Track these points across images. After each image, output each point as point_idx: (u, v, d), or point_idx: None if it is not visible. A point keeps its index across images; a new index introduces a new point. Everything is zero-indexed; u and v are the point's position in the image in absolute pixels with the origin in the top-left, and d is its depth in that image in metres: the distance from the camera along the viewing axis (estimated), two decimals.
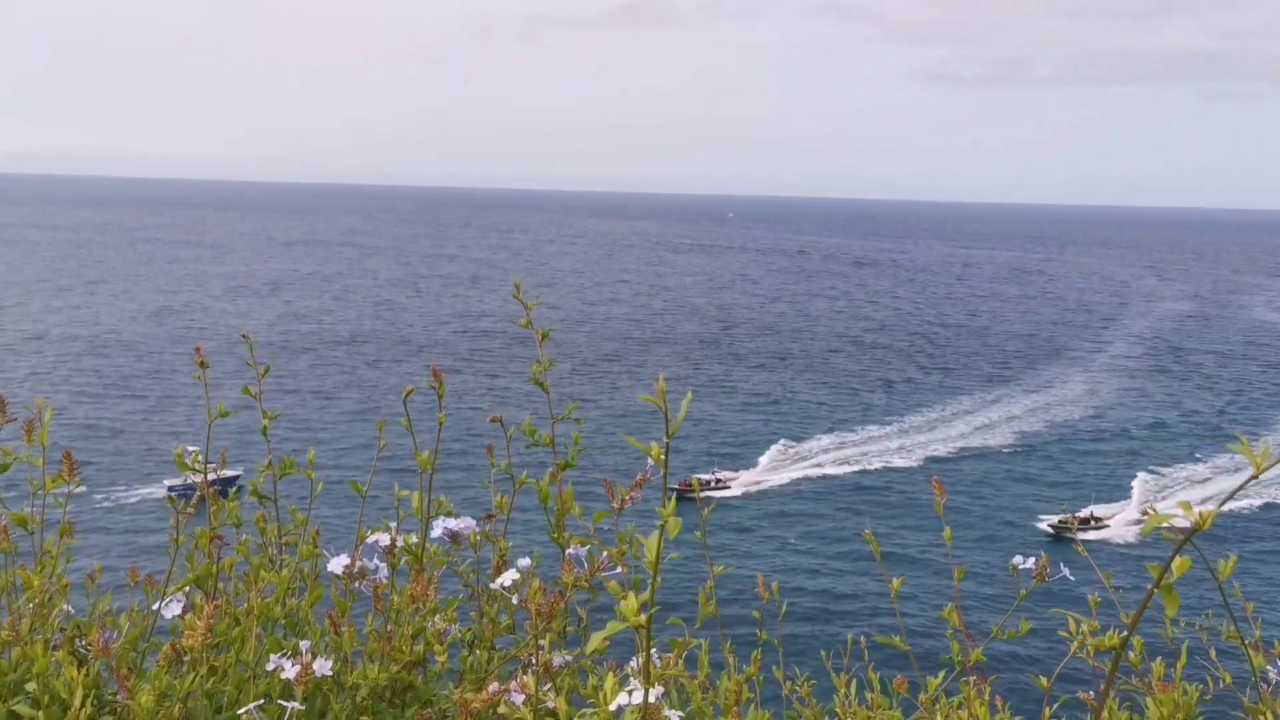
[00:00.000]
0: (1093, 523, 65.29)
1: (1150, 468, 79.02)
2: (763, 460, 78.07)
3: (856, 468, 77.54)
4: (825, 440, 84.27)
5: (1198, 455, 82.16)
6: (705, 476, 68.03)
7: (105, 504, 62.70)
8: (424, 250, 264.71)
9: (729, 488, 69.42)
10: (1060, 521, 64.95)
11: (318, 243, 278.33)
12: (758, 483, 72.61)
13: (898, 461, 79.35)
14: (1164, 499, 70.68)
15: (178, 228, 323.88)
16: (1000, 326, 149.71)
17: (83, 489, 3.20)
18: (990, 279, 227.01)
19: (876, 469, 77.60)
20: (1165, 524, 2.17)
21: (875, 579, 57.15)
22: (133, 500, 63.01)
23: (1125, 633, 2.36)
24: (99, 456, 71.97)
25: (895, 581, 3.30)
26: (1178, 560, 2.24)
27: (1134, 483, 75.12)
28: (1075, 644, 2.82)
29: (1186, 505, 2.15)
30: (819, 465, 77.69)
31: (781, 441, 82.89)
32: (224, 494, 3.59)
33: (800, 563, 59.27)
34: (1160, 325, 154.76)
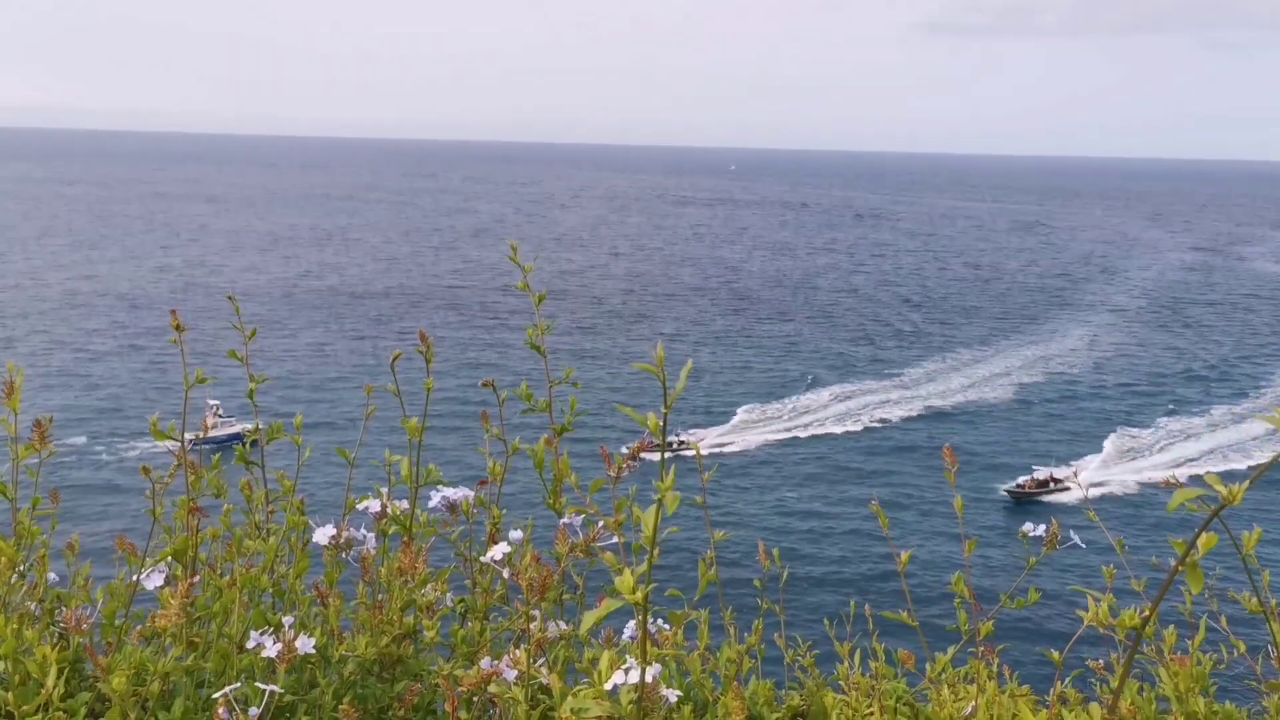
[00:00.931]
0: (1052, 485, 63.34)
1: (1124, 426, 77.83)
2: (744, 417, 77.84)
3: (855, 423, 77.36)
4: (824, 395, 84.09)
5: (1176, 412, 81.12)
6: (673, 439, 65.18)
7: (106, 457, 62.97)
8: (426, 205, 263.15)
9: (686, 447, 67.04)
10: (1018, 486, 63.36)
11: (323, 197, 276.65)
12: (727, 444, 72.16)
13: (896, 414, 79.35)
14: (1132, 460, 69.76)
15: (181, 182, 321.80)
16: (1000, 280, 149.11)
17: (54, 456, 3.08)
18: (992, 231, 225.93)
19: (874, 424, 77.41)
20: (1194, 498, 2.05)
21: (870, 537, 57.24)
22: (133, 455, 63.11)
23: (1146, 613, 2.25)
24: (103, 412, 72.09)
25: (904, 555, 3.19)
26: (1204, 536, 2.12)
27: (1105, 442, 73.86)
28: (1088, 618, 2.71)
29: (1215, 479, 2.03)
30: (820, 422, 77.47)
31: (776, 399, 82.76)
32: (230, 449, 3.49)
33: (796, 525, 59.32)
34: (1160, 278, 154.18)
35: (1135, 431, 76.76)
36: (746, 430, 75.25)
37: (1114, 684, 3.38)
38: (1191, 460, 69.61)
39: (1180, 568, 2.13)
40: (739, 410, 79.25)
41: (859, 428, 76.71)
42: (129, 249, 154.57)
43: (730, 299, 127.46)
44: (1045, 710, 2.68)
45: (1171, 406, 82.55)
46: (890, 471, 68.09)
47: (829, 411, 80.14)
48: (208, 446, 3.62)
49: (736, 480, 64.94)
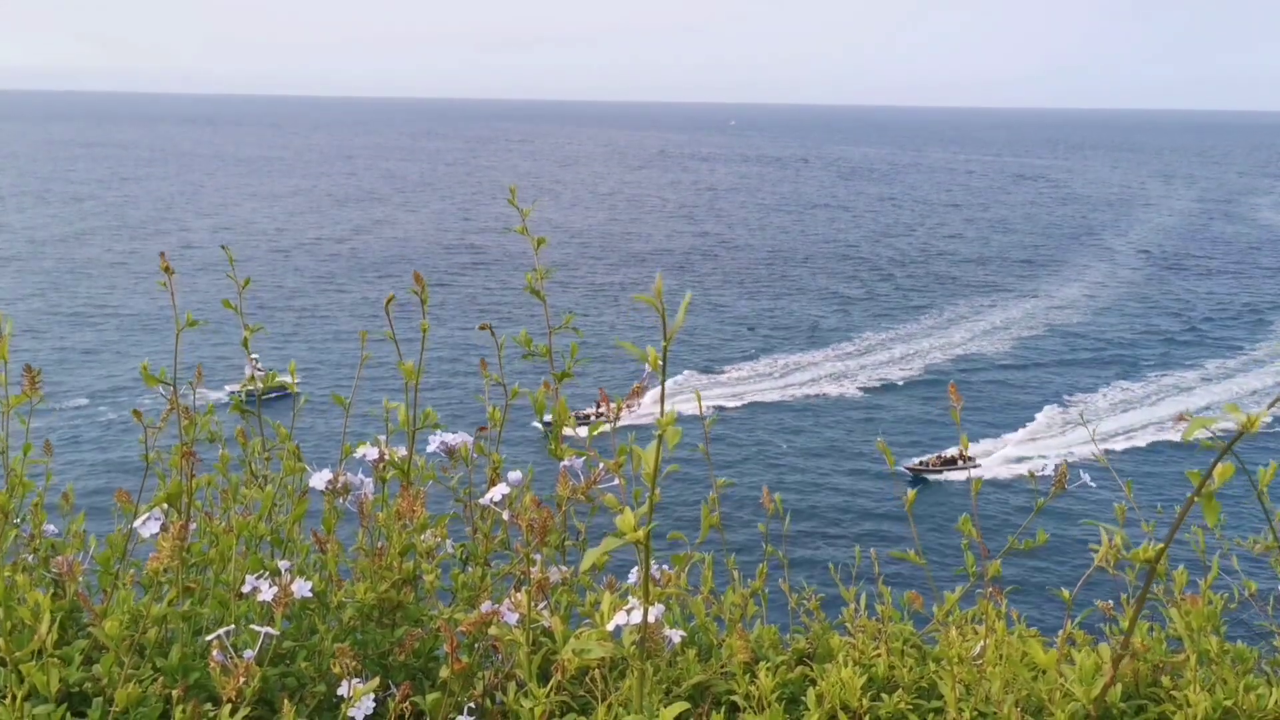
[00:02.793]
0: (960, 462, 60.01)
1: (1063, 397, 73.81)
2: (735, 375, 77.42)
3: (854, 381, 76.95)
4: (818, 354, 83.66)
5: (1122, 382, 77.66)
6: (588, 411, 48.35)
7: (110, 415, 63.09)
8: (419, 165, 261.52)
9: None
10: (920, 463, 60.22)
11: (345, 158, 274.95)
12: (740, 396, 71.87)
13: (896, 373, 78.82)
14: (1073, 430, 66.16)
15: (207, 143, 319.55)
16: (997, 235, 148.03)
17: (45, 403, 3.03)
18: (992, 186, 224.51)
19: (872, 382, 76.96)
20: (1208, 428, 1.99)
21: (867, 496, 57.18)
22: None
23: (1161, 545, 2.20)
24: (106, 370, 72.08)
25: (910, 492, 3.14)
26: (1220, 466, 2.06)
27: (1038, 414, 69.75)
28: (1100, 556, 2.66)
29: (1233, 407, 1.97)
30: (814, 380, 77.25)
31: (775, 355, 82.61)
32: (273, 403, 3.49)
33: (795, 480, 59.30)
34: (1158, 233, 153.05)
35: (1072, 402, 73.27)
36: (738, 385, 75.03)
37: (1125, 621, 3.35)
38: (1131, 431, 66.79)
39: (1195, 499, 2.08)
40: (730, 368, 79.04)
41: (855, 387, 76.29)
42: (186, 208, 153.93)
43: (728, 255, 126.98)
44: (1054, 650, 2.64)
45: (1119, 373, 79.24)
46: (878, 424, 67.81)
47: (822, 370, 79.70)
48: (250, 399, 3.59)
49: (732, 434, 64.93)
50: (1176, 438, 65.09)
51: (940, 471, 59.35)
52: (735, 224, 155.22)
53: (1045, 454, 60.51)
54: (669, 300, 2.21)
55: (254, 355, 3.52)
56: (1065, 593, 2.83)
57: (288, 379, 3.47)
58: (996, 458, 61.31)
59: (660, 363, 2.24)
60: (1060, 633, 2.90)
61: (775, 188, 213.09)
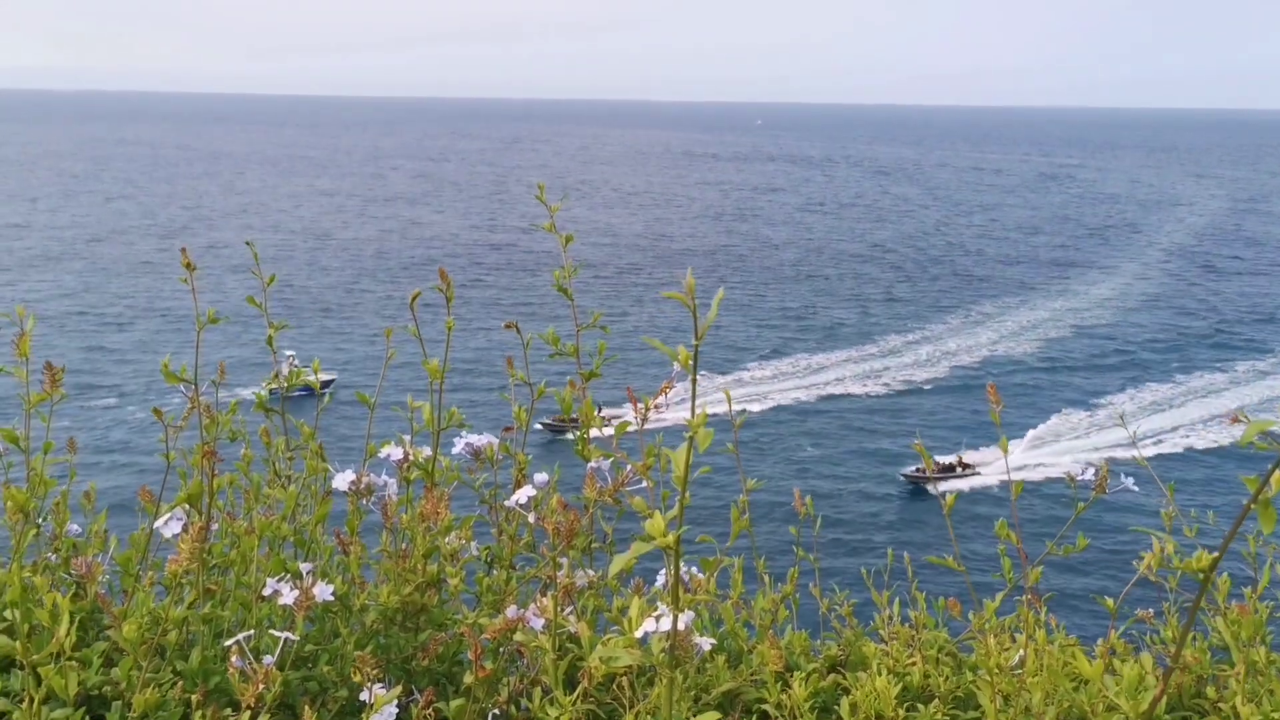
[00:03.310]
0: (959, 470, 58.03)
1: (1089, 401, 71.73)
2: (760, 373, 76.77)
3: (877, 383, 76.28)
4: (840, 354, 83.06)
5: (1129, 389, 74.81)
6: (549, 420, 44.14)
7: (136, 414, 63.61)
8: (443, 165, 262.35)
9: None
10: (917, 470, 57.53)
11: (337, 158, 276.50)
12: (769, 397, 71.27)
13: (921, 375, 78.12)
14: (1082, 437, 63.98)
15: (196, 143, 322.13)
16: (1025, 236, 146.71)
17: (66, 401, 2.99)
18: (1020, 186, 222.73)
19: (897, 384, 76.32)
20: (1265, 431, 1.90)
21: (890, 500, 56.63)
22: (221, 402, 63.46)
23: (1215, 554, 2.11)
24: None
25: (949, 497, 3.05)
26: (1278, 473, 1.97)
27: (1053, 417, 67.39)
28: (1144, 564, 2.57)
29: None
30: (839, 380, 76.72)
31: (799, 355, 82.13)
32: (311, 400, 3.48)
33: (819, 484, 58.83)
34: (1189, 233, 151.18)
35: (1098, 405, 71.31)
36: (762, 385, 74.55)
37: (1168, 631, 3.25)
38: (1159, 434, 64.85)
39: (1251, 506, 1.99)
40: (752, 366, 78.67)
41: (881, 387, 75.66)
42: (141, 202, 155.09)
43: (753, 255, 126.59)
44: (1099, 661, 2.55)
45: (1133, 378, 76.72)
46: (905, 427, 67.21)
47: (845, 371, 79.16)
48: (275, 397, 3.56)
49: (754, 436, 64.57)
50: (1205, 443, 64.15)
51: (938, 480, 57.44)
52: (761, 224, 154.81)
53: (1049, 461, 59.52)
54: (700, 298, 2.14)
55: (290, 353, 3.49)
56: (1109, 601, 2.74)
57: (322, 376, 3.43)
58: (998, 466, 58.66)
59: (691, 361, 2.17)
60: (1101, 642, 2.81)
61: (802, 187, 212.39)
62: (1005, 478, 55.18)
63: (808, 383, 76.44)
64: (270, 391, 3.29)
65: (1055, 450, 62.04)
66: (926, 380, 77.13)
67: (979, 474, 57.84)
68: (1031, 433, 64.79)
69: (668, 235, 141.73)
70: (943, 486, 56.25)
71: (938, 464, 58.44)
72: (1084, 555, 42.74)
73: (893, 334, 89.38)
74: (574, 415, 3.56)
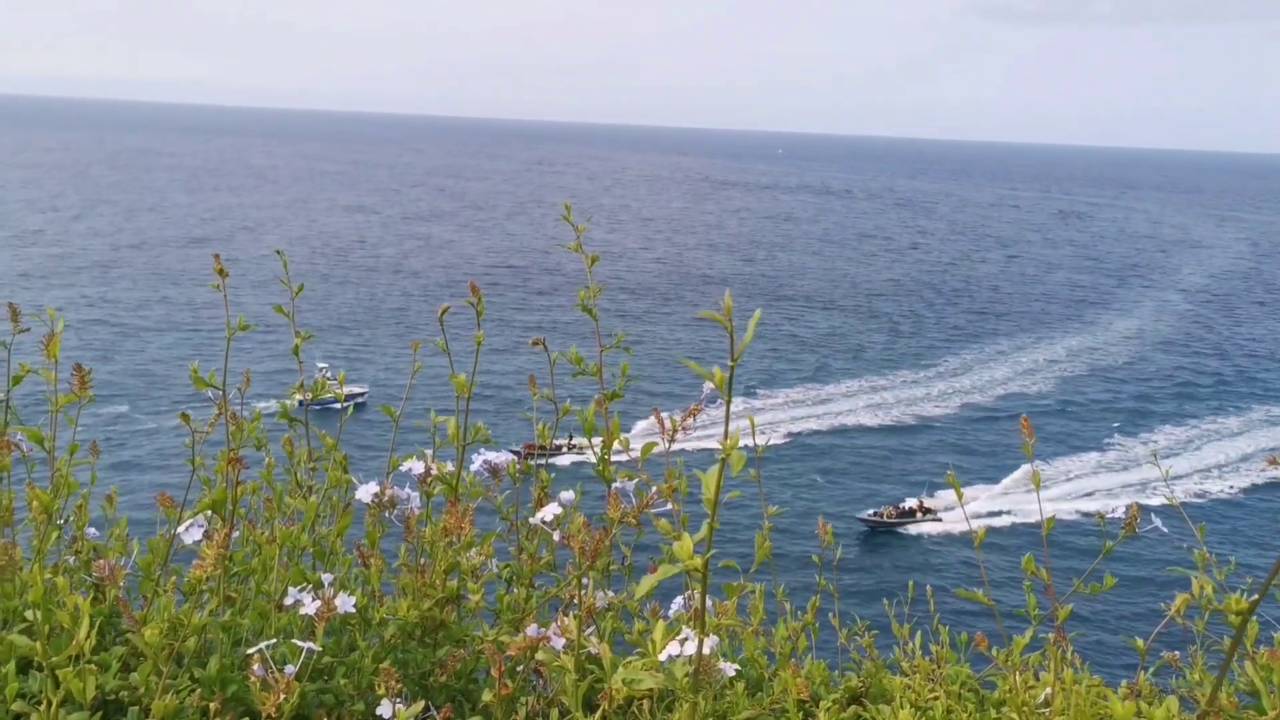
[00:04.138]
0: (920, 515, 56.39)
1: (1102, 441, 70.40)
2: (771, 402, 76.28)
3: (887, 414, 75.89)
4: (850, 384, 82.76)
5: (1107, 440, 72.21)
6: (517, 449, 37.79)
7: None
8: (465, 185, 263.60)
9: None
10: (875, 514, 56.23)
11: (358, 173, 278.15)
12: (787, 427, 70.79)
13: (932, 409, 77.57)
14: (1043, 489, 60.21)
15: (217, 155, 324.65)
16: (1042, 273, 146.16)
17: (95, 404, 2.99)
18: (1040, 223, 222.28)
19: (905, 417, 75.82)
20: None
21: (849, 541, 55.98)
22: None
23: (1255, 596, 2.07)
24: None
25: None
26: None
27: (1020, 466, 63.69)
28: (1175, 608, 2.53)
29: None
30: (851, 411, 76.36)
31: (810, 385, 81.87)
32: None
33: (834, 511, 58.36)
34: (1208, 274, 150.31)
35: (1113, 445, 70.13)
36: (773, 413, 74.13)
37: (1193, 676, 3.20)
38: (1106, 490, 61.88)
39: None
40: (762, 394, 78.39)
41: (890, 420, 75.17)
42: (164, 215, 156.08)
43: (769, 285, 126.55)
44: (1131, 702, 2.50)
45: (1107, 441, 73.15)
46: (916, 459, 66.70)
47: (859, 401, 78.80)
48: (315, 409, 3.57)
49: (769, 468, 64.25)
50: (1222, 487, 63.33)
51: (895, 525, 56.01)
52: (778, 253, 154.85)
53: (1011, 509, 57.48)
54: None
55: (323, 364, 3.49)
56: (1139, 642, 2.70)
57: (354, 389, 3.43)
58: (959, 513, 56.88)
59: (727, 382, 2.16)
60: (1130, 683, 2.77)
61: (821, 218, 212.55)
62: (966, 526, 54.11)
63: (819, 410, 76.11)
64: (299, 403, 3.29)
65: (1042, 495, 59.84)
66: (929, 417, 76.79)
67: (939, 519, 56.46)
68: (1007, 479, 62.64)
69: (683, 261, 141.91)
70: (900, 532, 55.48)
71: (898, 508, 56.94)
72: (1090, 602, 42.29)
73: (905, 369, 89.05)
74: (555, 441, 3.56)
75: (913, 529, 55.79)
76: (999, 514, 56.88)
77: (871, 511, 56.85)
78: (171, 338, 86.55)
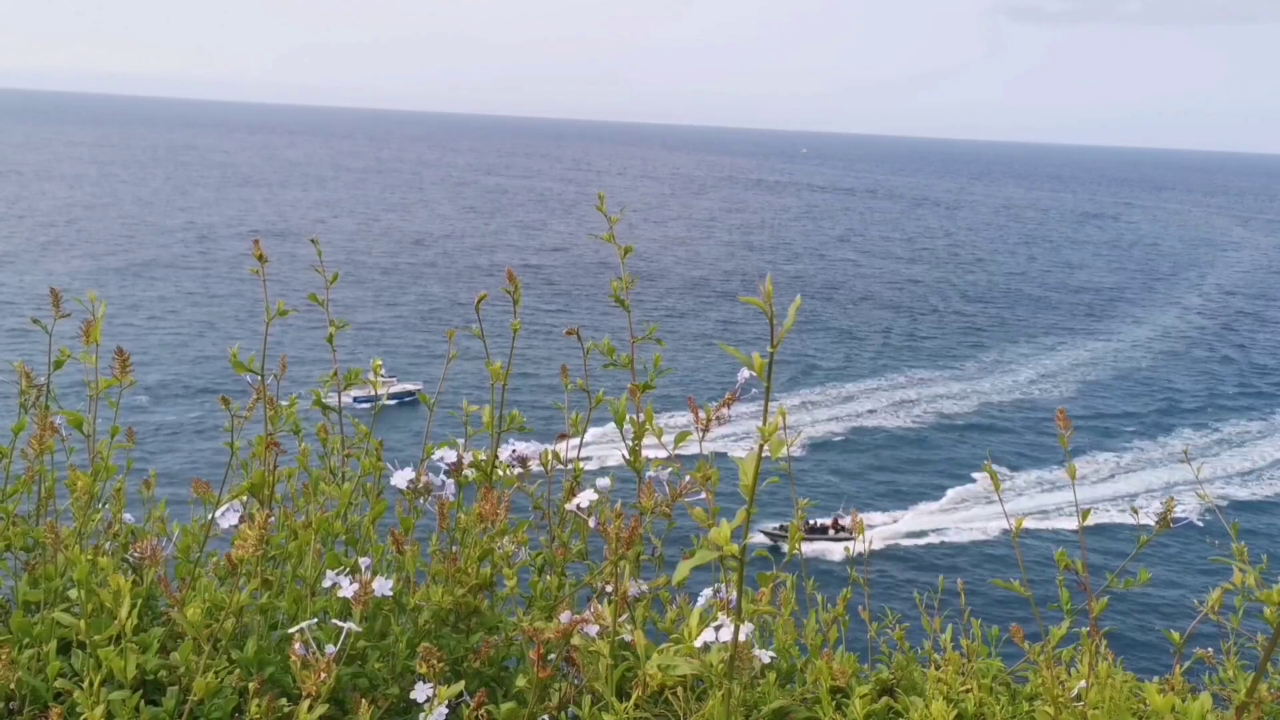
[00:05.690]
0: (832, 532, 52.27)
1: (1119, 444, 68.98)
2: (793, 402, 76.04)
3: (910, 413, 75.51)
4: (870, 383, 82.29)
5: (1125, 445, 70.32)
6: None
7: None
8: (489, 181, 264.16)
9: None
10: (778, 528, 50.44)
11: (383, 170, 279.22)
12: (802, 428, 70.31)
13: (951, 407, 77.10)
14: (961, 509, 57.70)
15: (239, 152, 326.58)
16: (1065, 274, 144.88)
17: (135, 389, 3.02)
18: (1063, 224, 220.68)
19: (930, 413, 75.41)
20: None
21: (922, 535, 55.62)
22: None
23: None
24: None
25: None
26: None
27: (976, 476, 60.87)
28: (1209, 603, 2.51)
29: None
30: (872, 412, 75.85)
31: (828, 385, 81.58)
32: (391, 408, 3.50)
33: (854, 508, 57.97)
34: (1232, 278, 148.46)
35: (1122, 448, 68.57)
36: (797, 413, 73.73)
37: (1225, 672, 3.18)
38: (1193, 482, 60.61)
39: None
40: (784, 397, 78.09)
41: (912, 418, 74.80)
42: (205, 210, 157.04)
43: (787, 284, 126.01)
44: (1170, 695, 2.49)
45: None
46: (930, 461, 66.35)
47: (881, 400, 78.47)
48: (367, 404, 3.59)
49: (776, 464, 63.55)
50: (1247, 494, 62.62)
51: (805, 541, 52.85)
52: (799, 252, 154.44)
53: (946, 526, 55.51)
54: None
55: (377, 359, 3.52)
56: (1175, 635, 2.68)
57: (407, 386, 3.45)
58: (881, 531, 54.14)
59: (767, 369, 2.16)
60: (1164, 678, 2.75)
61: (842, 218, 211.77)
62: (892, 541, 52.98)
63: (837, 411, 75.75)
64: (355, 399, 3.30)
65: (1042, 498, 57.99)
66: (957, 415, 76.33)
67: (850, 538, 53.62)
68: (954, 491, 59.96)
69: (698, 256, 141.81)
70: (807, 549, 52.95)
71: (811, 523, 52.84)
72: (1114, 601, 41.92)
73: (921, 369, 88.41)
74: (818, 521, 3.56)
75: (819, 545, 49.99)
76: (944, 529, 55.97)
77: (776, 525, 51.19)
78: (193, 327, 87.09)
